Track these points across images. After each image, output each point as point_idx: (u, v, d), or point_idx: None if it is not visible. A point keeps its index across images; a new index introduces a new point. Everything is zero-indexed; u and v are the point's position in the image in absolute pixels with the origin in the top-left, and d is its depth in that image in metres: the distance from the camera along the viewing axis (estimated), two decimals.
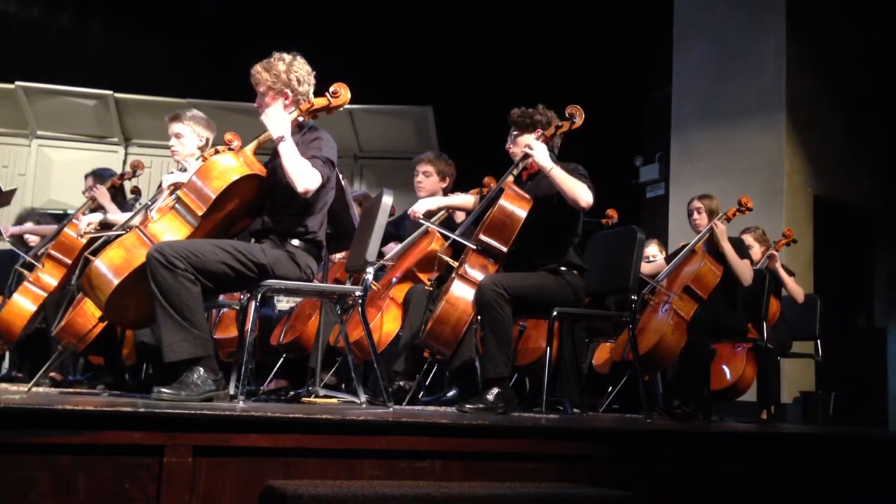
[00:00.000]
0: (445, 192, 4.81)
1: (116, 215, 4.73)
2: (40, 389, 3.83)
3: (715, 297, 4.66)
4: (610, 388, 4.96)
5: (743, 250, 4.87)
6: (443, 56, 8.20)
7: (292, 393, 4.01)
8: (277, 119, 3.27)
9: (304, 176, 3.18)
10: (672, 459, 2.89)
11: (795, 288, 5.54)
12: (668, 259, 5.22)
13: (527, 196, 3.71)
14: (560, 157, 3.92)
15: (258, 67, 3.38)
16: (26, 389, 3.51)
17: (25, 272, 4.74)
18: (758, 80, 7.48)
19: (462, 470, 2.49)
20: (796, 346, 5.57)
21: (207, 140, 4.17)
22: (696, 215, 4.99)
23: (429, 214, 4.33)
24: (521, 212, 3.64)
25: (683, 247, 5.01)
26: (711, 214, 4.94)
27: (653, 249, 5.89)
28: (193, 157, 4.05)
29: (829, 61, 7.51)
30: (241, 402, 2.96)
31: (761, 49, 7.50)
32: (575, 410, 4.02)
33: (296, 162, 3.19)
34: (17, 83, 8.05)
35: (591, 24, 8.33)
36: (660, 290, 4.74)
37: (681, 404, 4.38)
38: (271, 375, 4.83)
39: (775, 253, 5.47)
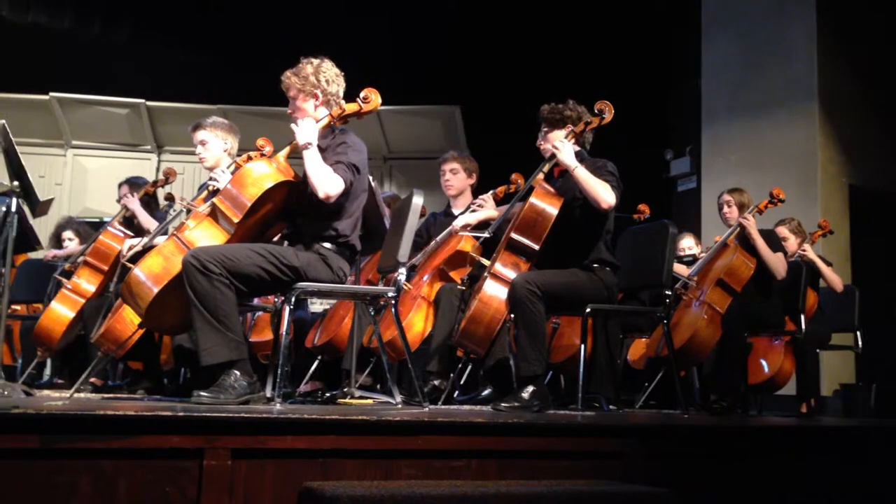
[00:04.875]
0: (473, 189, 4.82)
1: (148, 223, 4.81)
2: (81, 395, 3.90)
3: (749, 290, 4.61)
4: (646, 384, 4.93)
5: (776, 242, 4.81)
6: (469, 55, 8.20)
7: (328, 394, 4.03)
8: (304, 127, 3.31)
9: (325, 182, 3.21)
10: (710, 455, 2.87)
11: (833, 277, 5.46)
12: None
13: (557, 193, 3.70)
14: (590, 153, 3.91)
15: (287, 73, 3.44)
16: (68, 395, 3.57)
17: (64, 280, 4.81)
18: (788, 70, 7.38)
19: (498, 469, 2.49)
20: (835, 339, 5.49)
21: (232, 145, 4.23)
22: (726, 209, 4.95)
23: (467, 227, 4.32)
24: (553, 209, 3.63)
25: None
26: (742, 208, 4.89)
27: (688, 242, 5.83)
28: (220, 164, 4.10)
29: (860, 48, 7.39)
30: (277, 405, 2.99)
31: (791, 38, 7.40)
32: (611, 407, 4.00)
33: (318, 169, 3.23)
34: (52, 94, 8.18)
35: (618, 18, 8.27)
36: (692, 285, 4.70)
37: (718, 399, 4.34)
38: (307, 377, 4.86)
39: (807, 245, 5.39)
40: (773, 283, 4.70)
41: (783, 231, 5.31)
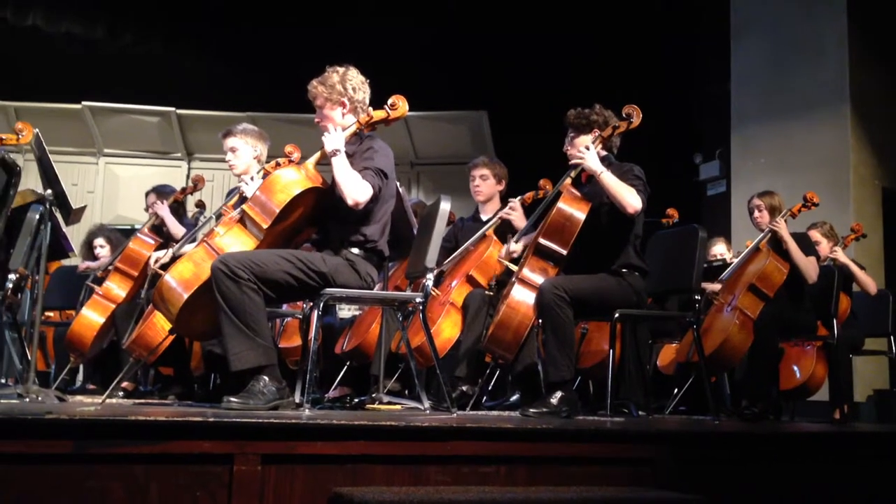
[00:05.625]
0: (502, 195, 4.82)
1: (178, 230, 4.86)
2: (113, 401, 3.94)
3: (781, 295, 4.56)
4: (676, 390, 4.89)
5: (808, 246, 4.76)
6: (496, 60, 8.19)
7: (356, 400, 4.04)
8: (332, 135, 3.33)
9: (354, 189, 3.24)
10: (741, 461, 2.84)
11: (867, 280, 5.38)
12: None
13: (585, 198, 3.69)
14: (619, 157, 3.90)
15: (314, 82, 3.45)
16: (100, 401, 3.61)
17: (95, 287, 4.88)
18: (819, 73, 7.31)
19: (527, 474, 2.48)
20: (869, 344, 5.42)
21: (262, 152, 4.25)
22: (756, 213, 4.89)
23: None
24: (580, 214, 3.62)
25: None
26: (773, 211, 4.83)
27: (720, 248, 5.78)
28: (250, 171, 4.13)
29: (891, 49, 7.29)
30: (306, 410, 3.00)
31: (822, 40, 7.33)
32: (640, 413, 3.97)
33: (347, 175, 3.25)
34: (84, 103, 8.31)
35: (646, 21, 8.24)
36: (724, 289, 4.66)
37: (749, 405, 4.29)
38: (335, 383, 4.88)
39: (837, 249, 5.32)
40: (804, 288, 4.65)
41: (815, 235, 5.24)
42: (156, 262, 4.24)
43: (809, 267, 4.62)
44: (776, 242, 4.71)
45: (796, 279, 4.61)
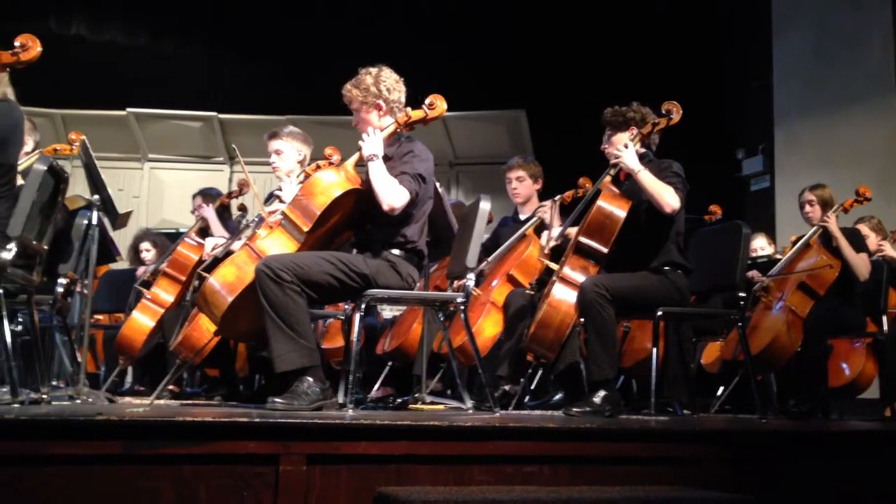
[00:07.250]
0: (539, 194, 4.80)
1: (221, 233, 4.92)
2: (161, 402, 4.00)
3: (831, 293, 4.47)
4: (721, 388, 4.83)
5: (860, 242, 4.65)
6: (534, 57, 8.17)
7: (399, 400, 4.06)
8: (370, 139, 3.34)
9: (389, 195, 3.25)
10: (789, 461, 2.80)
11: None
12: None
13: (625, 196, 3.67)
14: (659, 154, 3.86)
15: (348, 86, 3.45)
16: (149, 402, 3.68)
17: (144, 290, 4.96)
18: (864, 64, 7.16)
19: (570, 474, 2.47)
20: None
21: (306, 155, 4.29)
22: (808, 207, 4.79)
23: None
24: (621, 212, 3.59)
25: (796, 241, 4.82)
26: (825, 206, 4.73)
27: (760, 242, 5.70)
28: (293, 173, 4.17)
29: None
30: (350, 411, 3.03)
31: (866, 32, 7.18)
32: (685, 412, 3.93)
33: (383, 181, 3.27)
34: (129, 110, 8.45)
35: (685, 15, 8.14)
36: (773, 287, 4.58)
37: (797, 403, 4.23)
38: (378, 383, 4.91)
39: (885, 243, 5.20)
40: (855, 287, 4.55)
41: (863, 229, 5.13)
42: (214, 247, 4.27)
43: (861, 265, 4.51)
44: (826, 238, 4.62)
45: (846, 276, 4.52)
